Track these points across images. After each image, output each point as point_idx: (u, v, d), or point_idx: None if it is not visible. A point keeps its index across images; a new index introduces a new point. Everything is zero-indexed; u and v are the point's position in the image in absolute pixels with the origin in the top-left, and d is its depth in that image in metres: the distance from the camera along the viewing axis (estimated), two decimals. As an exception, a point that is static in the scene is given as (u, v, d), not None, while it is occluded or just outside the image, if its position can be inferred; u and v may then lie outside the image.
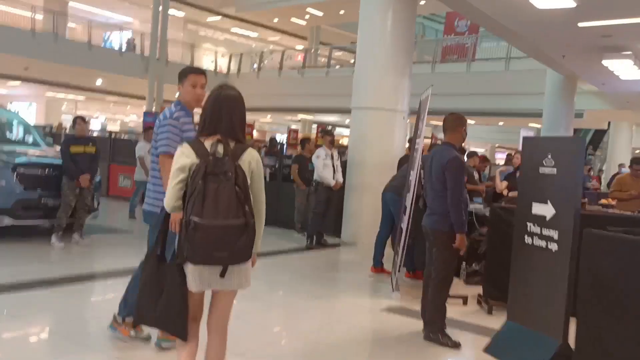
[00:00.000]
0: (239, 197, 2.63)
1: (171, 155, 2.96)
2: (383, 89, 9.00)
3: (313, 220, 8.71)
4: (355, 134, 9.38)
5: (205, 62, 28.45)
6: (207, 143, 2.75)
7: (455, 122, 4.73)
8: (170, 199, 2.76)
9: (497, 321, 4.80)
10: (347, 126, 34.85)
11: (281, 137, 25.64)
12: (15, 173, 6.87)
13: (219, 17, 29.64)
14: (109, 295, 5.20)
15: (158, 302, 2.77)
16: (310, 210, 9.06)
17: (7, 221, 6.79)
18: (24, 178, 6.93)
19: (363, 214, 8.89)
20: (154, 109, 24.20)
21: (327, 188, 8.58)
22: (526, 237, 4.28)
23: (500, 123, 26.43)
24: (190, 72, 3.92)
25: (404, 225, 5.92)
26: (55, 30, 21.77)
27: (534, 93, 16.90)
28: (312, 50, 29.02)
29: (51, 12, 22.46)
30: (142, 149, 9.43)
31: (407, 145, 8.97)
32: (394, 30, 8.96)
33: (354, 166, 9.16)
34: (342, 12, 26.53)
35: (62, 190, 7.00)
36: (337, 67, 26.84)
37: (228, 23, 31.07)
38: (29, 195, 6.94)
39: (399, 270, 6.02)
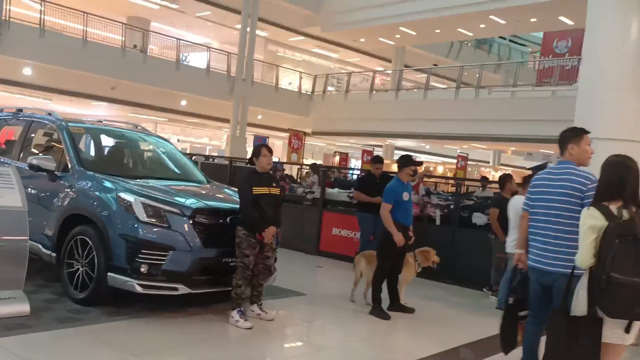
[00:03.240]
0: None
1: None
2: (622, 115, 6.97)
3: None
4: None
5: (284, 82, 27.08)
6: (612, 207, 3.06)
7: None
8: (585, 257, 3.03)
9: None
10: (429, 153, 33.06)
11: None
12: (193, 223, 5.09)
13: (302, 37, 28.22)
14: None
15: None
16: None
17: (182, 290, 5.00)
18: (204, 230, 5.15)
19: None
20: (237, 132, 22.87)
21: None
22: None
23: None
24: (584, 133, 4.16)
25: None
26: (144, 49, 20.70)
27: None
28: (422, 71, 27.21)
29: (137, 30, 21.46)
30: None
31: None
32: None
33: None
34: (437, 31, 24.80)
35: (238, 246, 5.20)
36: (435, 88, 25.01)
37: (309, 44, 29.69)
38: (209, 253, 5.15)
39: None
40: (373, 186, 8.65)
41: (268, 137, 18.16)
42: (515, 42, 38.13)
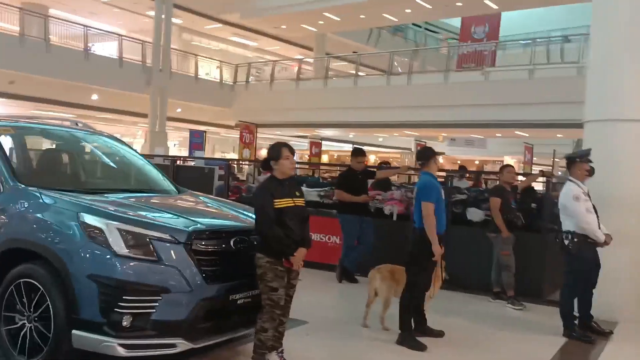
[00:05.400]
0: None
1: None
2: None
3: (568, 295, 5.70)
4: (598, 157, 6.55)
5: (202, 73, 25.29)
6: None
7: None
8: None
9: None
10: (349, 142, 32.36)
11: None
12: (191, 251, 3.71)
13: (219, 25, 26.46)
14: None
15: None
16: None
17: (181, 346, 3.62)
18: (206, 259, 3.78)
19: (622, 277, 6.11)
20: (157, 127, 21.01)
21: (590, 245, 5.62)
22: None
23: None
24: None
25: None
26: (46, 38, 18.26)
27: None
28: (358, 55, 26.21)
29: (36, 16, 18.91)
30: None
31: None
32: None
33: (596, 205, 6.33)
34: (362, 16, 23.97)
35: (261, 279, 3.92)
36: (364, 76, 24.24)
37: (226, 31, 27.96)
38: (213, 291, 3.79)
39: None
40: (356, 183, 7.55)
41: (205, 132, 16.45)
42: (429, 30, 38.32)
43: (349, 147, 31.71)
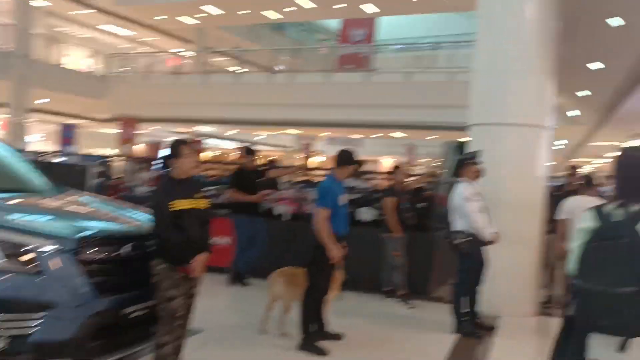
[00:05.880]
0: (633, 263, 2.49)
1: None
2: (524, 99, 6.65)
3: (460, 294, 5.88)
4: (484, 159, 6.83)
5: (70, 61, 23.50)
6: (609, 207, 2.73)
7: None
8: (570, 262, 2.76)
9: None
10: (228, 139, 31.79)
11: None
12: (79, 260, 3.26)
13: (91, 11, 24.70)
14: None
15: None
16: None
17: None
18: (96, 269, 3.35)
19: (505, 274, 6.43)
20: (17, 119, 19.15)
21: (479, 244, 5.82)
22: None
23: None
24: None
25: None
26: None
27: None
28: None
29: None
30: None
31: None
32: (538, 17, 6.66)
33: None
34: (245, 11, 23.56)
35: (157, 287, 3.57)
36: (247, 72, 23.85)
37: (99, 19, 26.17)
38: (105, 305, 3.36)
39: None
40: (248, 182, 7.30)
41: (76, 125, 15.12)
42: (309, 30, 38.72)
43: (230, 145, 31.24)
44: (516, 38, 6.66)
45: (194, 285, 3.80)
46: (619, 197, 2.76)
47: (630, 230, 2.58)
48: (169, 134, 26.17)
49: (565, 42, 7.12)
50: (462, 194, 5.62)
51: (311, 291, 4.88)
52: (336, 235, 4.79)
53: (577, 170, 8.40)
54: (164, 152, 4.01)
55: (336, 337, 5.18)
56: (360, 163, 5.31)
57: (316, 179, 10.43)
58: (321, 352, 4.75)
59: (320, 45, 34.37)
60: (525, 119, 6.62)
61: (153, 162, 10.68)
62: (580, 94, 15.35)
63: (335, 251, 4.75)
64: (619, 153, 2.85)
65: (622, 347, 2.60)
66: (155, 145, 20.71)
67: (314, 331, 4.92)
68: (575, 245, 2.76)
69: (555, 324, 6.41)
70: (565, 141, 24.95)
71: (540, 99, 6.73)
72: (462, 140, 16.06)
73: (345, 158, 5.00)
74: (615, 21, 9.06)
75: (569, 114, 19.08)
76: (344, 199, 4.94)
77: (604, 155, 30.87)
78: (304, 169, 13.07)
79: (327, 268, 4.85)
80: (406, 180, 7.40)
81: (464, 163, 5.89)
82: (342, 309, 5.93)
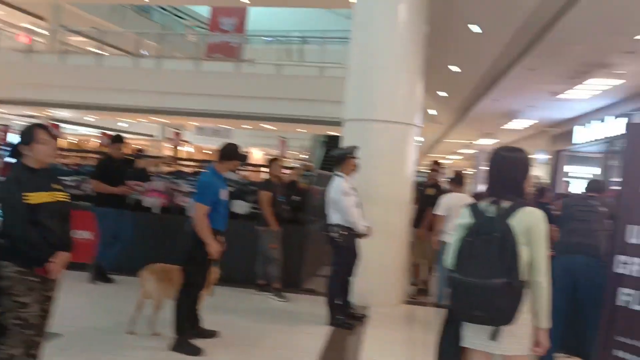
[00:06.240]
0: (502, 257, 2.65)
1: None
2: (395, 97, 6.90)
3: (335, 286, 5.97)
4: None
5: None
6: (483, 204, 2.88)
7: None
8: (448, 256, 2.88)
9: None
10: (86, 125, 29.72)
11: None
12: None
13: None
14: None
15: None
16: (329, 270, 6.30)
17: None
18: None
19: (374, 266, 6.64)
20: None
21: (354, 237, 5.95)
22: None
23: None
24: None
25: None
26: None
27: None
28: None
29: None
30: None
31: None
32: (410, 19, 6.93)
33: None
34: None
35: (7, 293, 3.19)
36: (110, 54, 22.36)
37: None
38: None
39: None
40: (114, 173, 6.85)
41: None
42: (176, 15, 37.35)
43: (89, 132, 29.29)
44: (388, 38, 6.90)
45: (52, 288, 3.42)
46: (492, 195, 2.91)
47: (502, 225, 2.72)
48: (18, 118, 24.03)
49: (430, 44, 7.49)
50: (340, 188, 5.70)
51: (186, 288, 4.67)
52: (215, 231, 4.63)
53: (440, 166, 8.90)
54: (16, 137, 3.56)
55: (211, 334, 5.02)
56: (244, 158, 5.16)
57: (185, 170, 10.09)
58: (196, 351, 4.57)
59: (189, 32, 33.29)
60: (395, 116, 6.88)
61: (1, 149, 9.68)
62: (439, 94, 16.36)
63: (215, 247, 4.59)
64: (492, 152, 3.01)
65: (494, 336, 2.73)
66: (3, 130, 18.83)
67: (188, 330, 4.71)
68: (453, 239, 2.88)
69: (422, 312, 6.86)
70: (422, 138, 26.54)
71: (410, 98, 7.03)
72: (330, 134, 16.37)
73: (229, 152, 4.84)
74: (474, 28, 9.72)
75: (429, 112, 20.31)
76: (224, 193, 4.78)
77: (457, 152, 33.35)
78: (174, 159, 12.55)
79: (205, 264, 4.67)
80: (282, 173, 7.37)
81: (343, 157, 5.96)
82: (216, 305, 5.77)
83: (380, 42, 6.90)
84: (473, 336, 2.83)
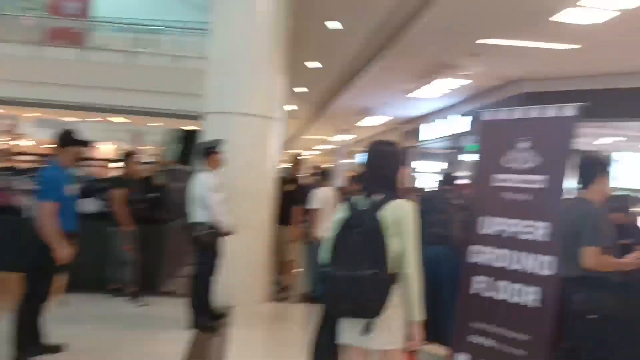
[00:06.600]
0: (371, 249, 2.65)
1: None
2: (256, 90, 6.73)
3: (199, 287, 5.67)
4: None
5: None
6: (355, 197, 2.88)
7: None
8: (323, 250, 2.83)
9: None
10: None
11: None
12: None
13: None
14: None
15: None
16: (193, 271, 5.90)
17: None
18: None
19: (238, 264, 6.42)
20: None
21: (219, 235, 5.65)
22: None
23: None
24: None
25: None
26: None
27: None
28: None
29: None
30: None
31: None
32: (270, 12, 6.79)
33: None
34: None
35: None
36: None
37: None
38: None
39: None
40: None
41: None
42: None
43: None
44: (249, 30, 6.71)
45: None
46: (365, 188, 2.88)
47: (371, 217, 2.71)
48: None
49: (290, 39, 7.44)
50: (206, 184, 5.41)
51: (29, 299, 4.11)
52: (66, 232, 4.13)
53: (300, 160, 8.87)
54: None
55: (57, 349, 4.48)
56: (84, 143, 4.63)
57: (22, 165, 9.06)
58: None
59: (26, 14, 30.31)
60: (256, 109, 6.71)
61: None
62: (298, 90, 16.46)
63: (64, 251, 4.09)
64: (368, 146, 2.98)
65: (367, 329, 2.69)
66: None
67: (29, 346, 4.16)
68: (329, 234, 2.81)
69: (288, 310, 6.77)
70: (284, 132, 26.71)
71: (271, 91, 6.92)
72: (186, 128, 15.87)
73: (65, 139, 4.35)
74: (334, 25, 9.84)
75: (287, 107, 20.41)
76: (70, 189, 4.28)
77: (313, 148, 34.08)
78: (9, 153, 11.27)
79: (52, 271, 4.15)
80: (138, 168, 6.87)
81: (207, 152, 5.65)
82: (64, 315, 5.21)
83: (240, 34, 6.70)
84: (348, 332, 2.78)
